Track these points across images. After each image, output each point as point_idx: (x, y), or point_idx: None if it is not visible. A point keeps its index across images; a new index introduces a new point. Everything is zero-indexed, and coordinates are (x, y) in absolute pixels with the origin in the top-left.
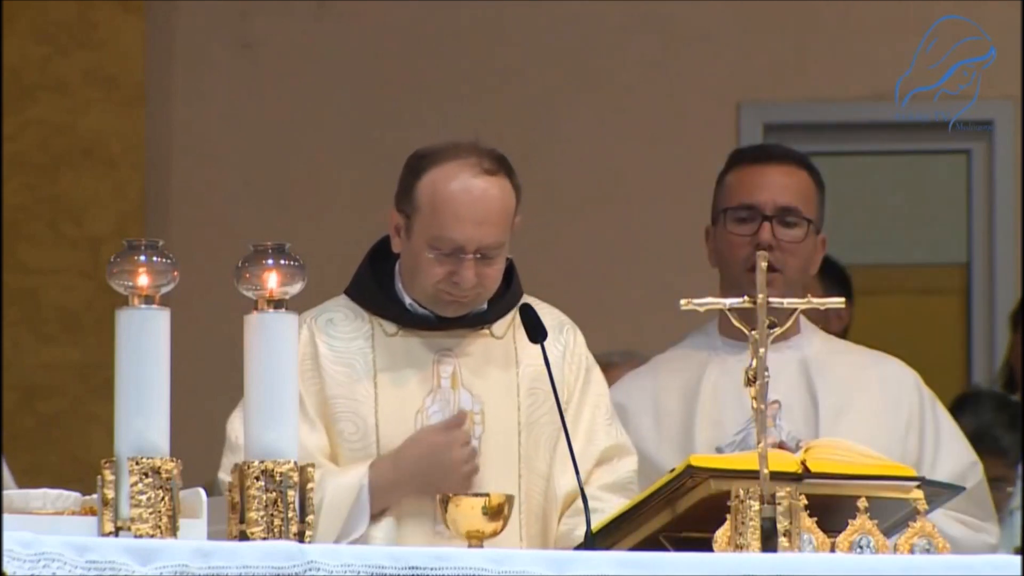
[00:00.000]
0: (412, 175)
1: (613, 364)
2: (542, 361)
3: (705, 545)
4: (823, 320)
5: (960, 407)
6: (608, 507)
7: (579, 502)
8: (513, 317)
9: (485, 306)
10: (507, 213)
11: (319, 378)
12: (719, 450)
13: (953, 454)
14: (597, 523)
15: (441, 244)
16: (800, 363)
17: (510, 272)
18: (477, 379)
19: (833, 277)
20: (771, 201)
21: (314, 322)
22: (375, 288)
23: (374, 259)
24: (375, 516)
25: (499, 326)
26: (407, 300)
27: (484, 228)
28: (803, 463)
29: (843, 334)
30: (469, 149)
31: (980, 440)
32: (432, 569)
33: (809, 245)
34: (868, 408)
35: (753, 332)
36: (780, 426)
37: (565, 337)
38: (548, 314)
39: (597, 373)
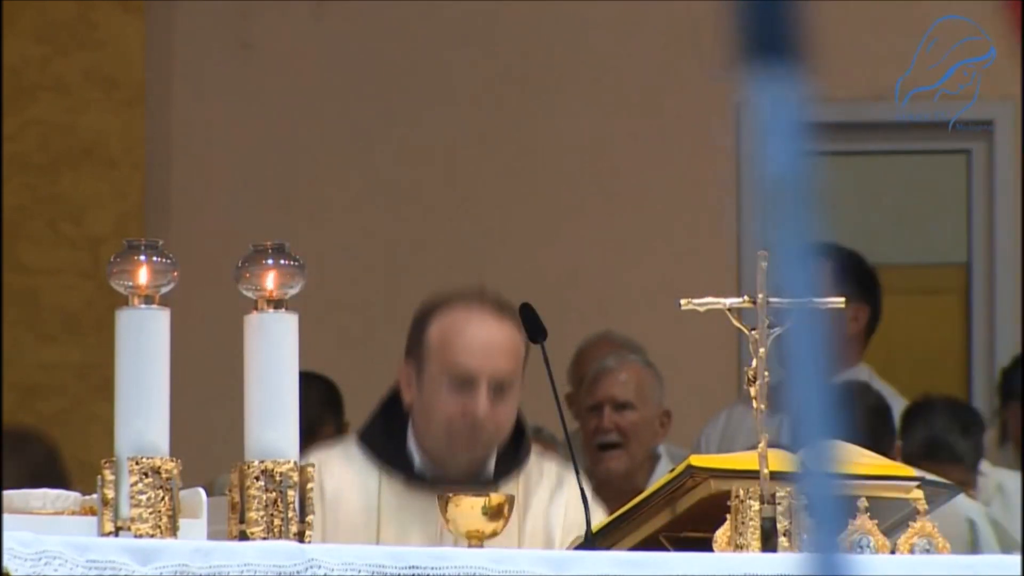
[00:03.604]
0: (422, 322)
1: (608, 368)
2: (545, 505)
3: (705, 545)
4: (839, 325)
5: (912, 416)
6: None
7: None
8: (521, 478)
9: (492, 470)
10: (517, 350)
11: (322, 517)
12: None
13: None
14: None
15: (454, 376)
16: None
17: (519, 436)
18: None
19: (855, 279)
20: None
21: (324, 468)
22: (386, 441)
23: (388, 408)
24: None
25: (506, 487)
26: (416, 460)
27: (495, 359)
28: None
29: (863, 336)
30: (477, 294)
31: (935, 449)
32: (432, 569)
33: None
34: None
35: (753, 332)
36: None
37: (566, 492)
38: (548, 465)
39: (599, 510)
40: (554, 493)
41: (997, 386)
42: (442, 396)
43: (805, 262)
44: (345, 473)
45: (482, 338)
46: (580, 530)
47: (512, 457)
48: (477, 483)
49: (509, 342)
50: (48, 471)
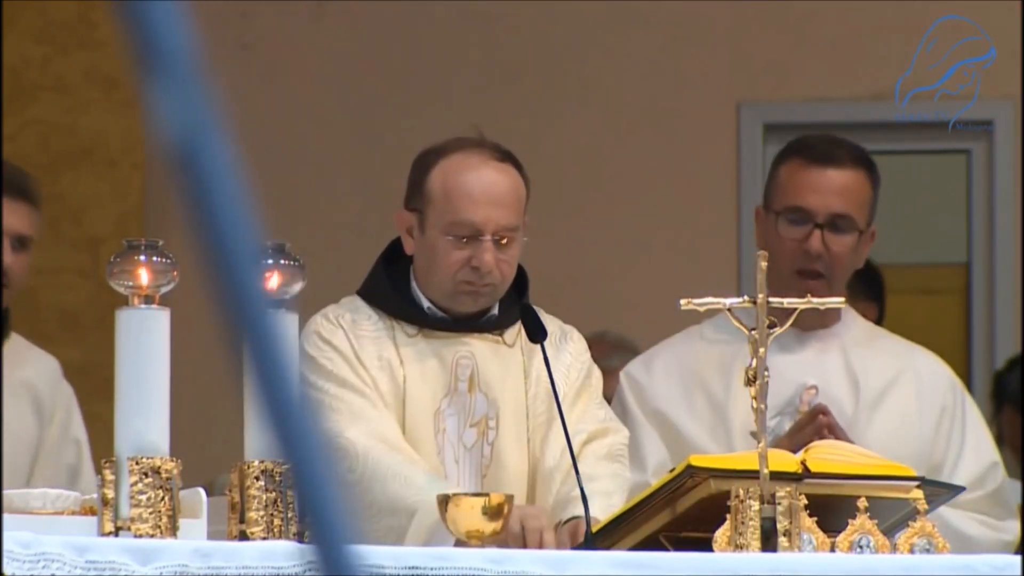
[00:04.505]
0: (421, 170)
1: (613, 368)
2: (553, 370)
3: (705, 545)
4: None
5: None
6: (600, 480)
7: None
8: (519, 326)
9: (497, 311)
10: (520, 198)
11: (368, 372)
12: (754, 435)
13: (976, 455)
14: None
15: (458, 229)
16: (840, 350)
17: (521, 283)
18: (493, 383)
19: (861, 276)
20: (824, 208)
21: (341, 320)
22: (391, 291)
23: (386, 261)
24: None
25: (509, 334)
26: (425, 303)
27: (500, 209)
28: (803, 463)
29: None
30: (476, 142)
31: None
32: (432, 569)
33: (859, 248)
34: (904, 400)
35: (753, 332)
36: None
37: (571, 345)
38: (551, 322)
39: (596, 370)
40: (559, 345)
41: (990, 391)
42: (446, 247)
43: (208, 140)
44: (359, 328)
45: (485, 189)
46: (582, 380)
47: (515, 302)
48: (484, 322)
49: (511, 190)
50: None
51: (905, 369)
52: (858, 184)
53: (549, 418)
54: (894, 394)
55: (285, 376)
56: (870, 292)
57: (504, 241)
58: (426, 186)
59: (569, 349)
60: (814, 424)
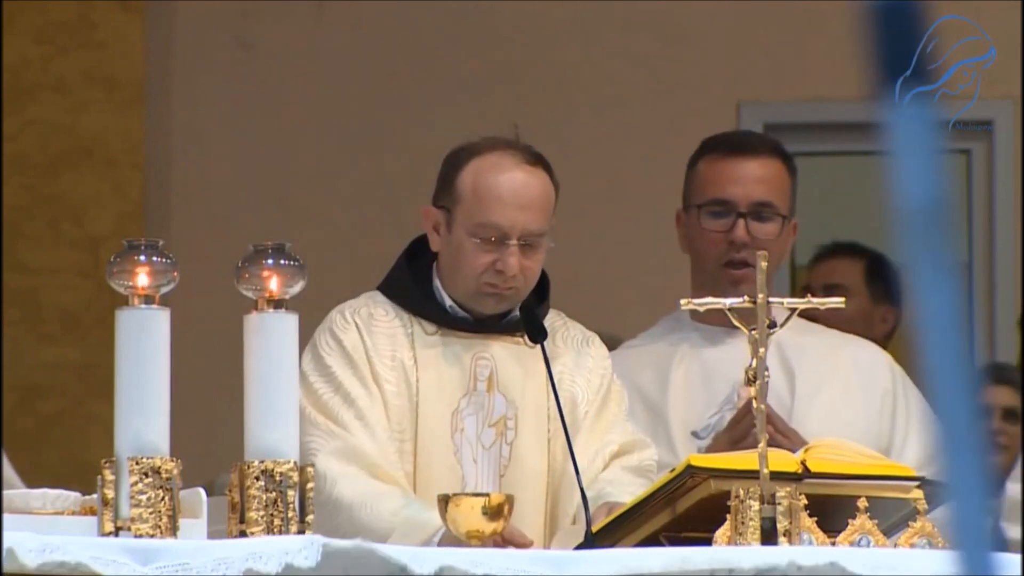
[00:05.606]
0: (452, 168)
1: None
2: (570, 371)
3: (705, 545)
4: (867, 326)
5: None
6: (628, 486)
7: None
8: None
9: (519, 312)
10: (548, 202)
11: (375, 377)
12: (695, 434)
13: (923, 435)
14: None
15: (485, 231)
16: (775, 344)
17: (542, 286)
18: (512, 384)
19: (884, 278)
20: (745, 197)
21: (357, 317)
22: (413, 287)
23: (409, 258)
24: None
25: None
26: (447, 301)
27: (528, 214)
28: (803, 463)
29: (887, 339)
30: (509, 143)
31: (990, 371)
32: (464, 570)
33: (783, 237)
34: (843, 386)
35: (753, 332)
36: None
37: (593, 350)
38: (573, 327)
39: (617, 379)
40: (580, 349)
41: (1018, 319)
42: (472, 248)
43: (944, 287)
44: (375, 324)
45: (514, 192)
46: (606, 387)
47: (536, 305)
48: (504, 324)
49: (541, 195)
50: None
51: (842, 358)
52: (776, 172)
53: (572, 422)
54: (832, 382)
55: (963, 395)
56: (894, 295)
57: (530, 245)
58: (456, 184)
59: (591, 353)
60: (750, 415)
